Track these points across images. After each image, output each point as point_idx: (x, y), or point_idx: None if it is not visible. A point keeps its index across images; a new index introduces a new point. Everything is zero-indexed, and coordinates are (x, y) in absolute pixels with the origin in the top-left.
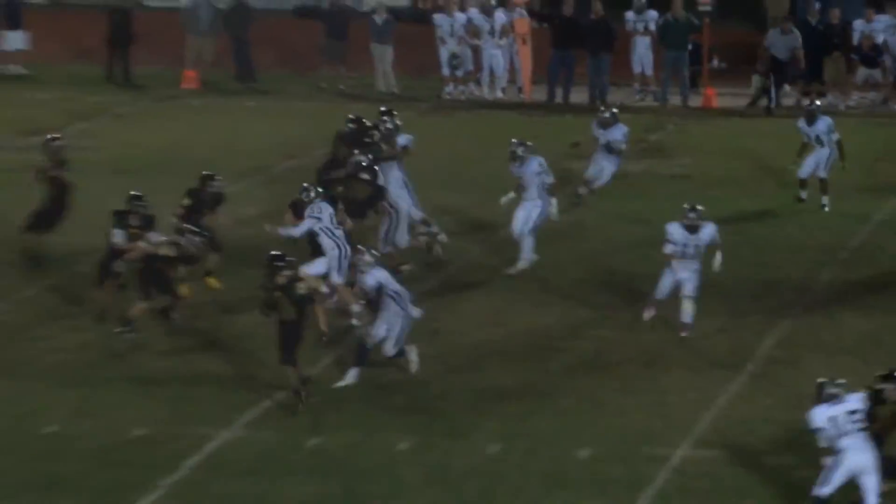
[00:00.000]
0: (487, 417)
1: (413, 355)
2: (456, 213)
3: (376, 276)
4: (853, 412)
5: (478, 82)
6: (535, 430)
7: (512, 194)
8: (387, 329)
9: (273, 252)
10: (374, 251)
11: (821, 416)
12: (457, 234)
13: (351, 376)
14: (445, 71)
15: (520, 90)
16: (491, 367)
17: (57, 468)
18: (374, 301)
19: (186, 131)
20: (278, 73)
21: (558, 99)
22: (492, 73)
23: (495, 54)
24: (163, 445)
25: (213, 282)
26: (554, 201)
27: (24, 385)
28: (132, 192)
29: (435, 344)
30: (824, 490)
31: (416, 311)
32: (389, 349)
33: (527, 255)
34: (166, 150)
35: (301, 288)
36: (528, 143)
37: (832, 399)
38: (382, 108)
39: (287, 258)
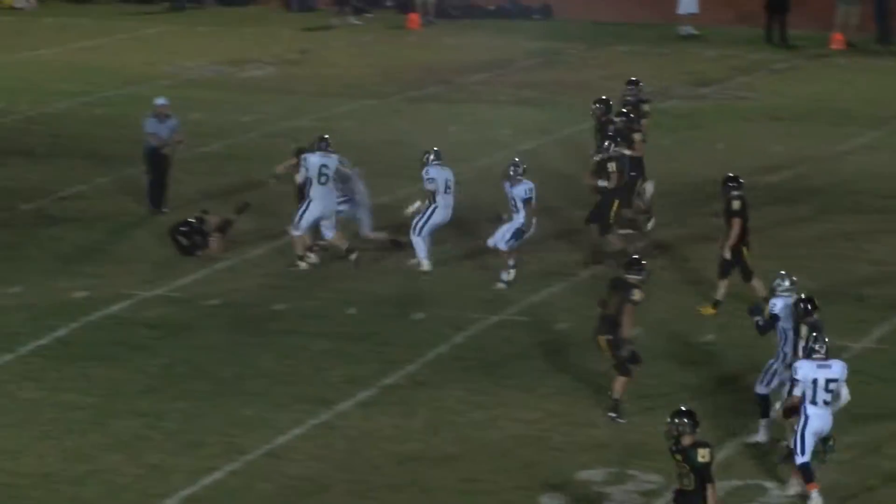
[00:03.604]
0: None
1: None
2: None
3: (778, 304)
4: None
5: None
6: None
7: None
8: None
9: (683, 407)
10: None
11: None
12: None
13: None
14: None
15: None
16: None
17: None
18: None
19: (831, 85)
20: None
21: None
22: None
23: None
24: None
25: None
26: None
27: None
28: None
29: None
30: None
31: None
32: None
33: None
34: (813, 101)
35: (702, 455)
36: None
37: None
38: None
39: (694, 417)
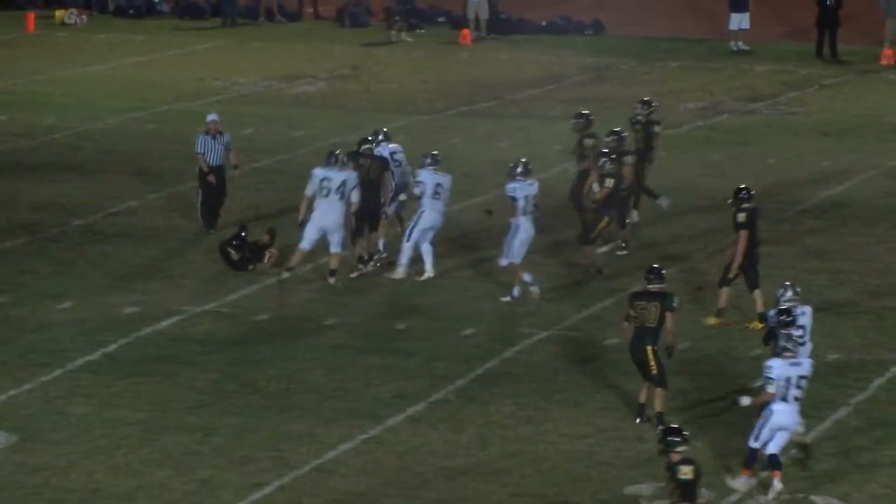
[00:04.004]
0: None
1: None
2: None
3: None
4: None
5: None
6: None
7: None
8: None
9: (672, 425)
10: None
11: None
12: None
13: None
14: None
15: None
16: None
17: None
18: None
19: (881, 100)
20: None
21: None
22: None
23: None
24: (854, 368)
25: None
26: None
27: None
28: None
29: None
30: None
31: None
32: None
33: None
34: (862, 116)
35: (684, 472)
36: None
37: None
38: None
39: (681, 433)
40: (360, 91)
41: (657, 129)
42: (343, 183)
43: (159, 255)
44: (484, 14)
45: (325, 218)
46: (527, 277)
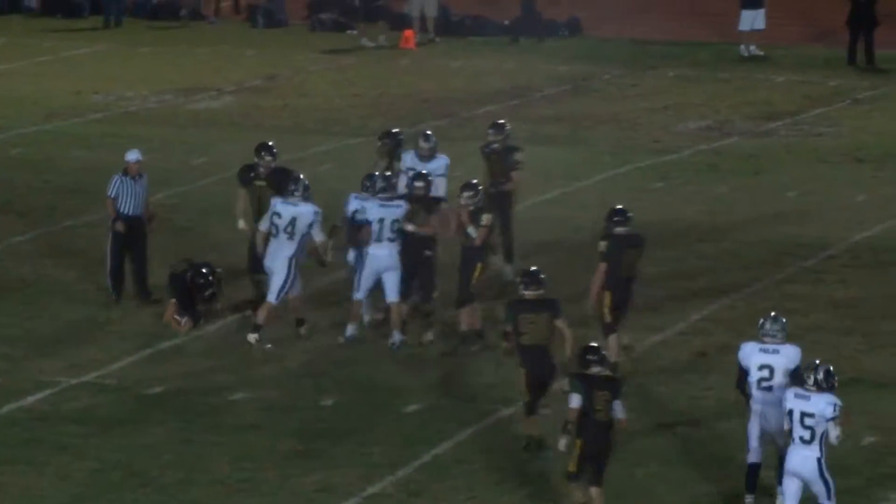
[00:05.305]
0: None
1: None
2: None
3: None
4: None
5: None
6: None
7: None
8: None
9: None
10: None
11: None
12: None
13: None
14: None
15: None
16: None
17: None
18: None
19: None
20: None
21: None
22: None
23: None
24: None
25: None
26: None
27: None
28: None
29: None
30: None
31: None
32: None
33: None
34: None
35: None
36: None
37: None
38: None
39: None
40: (276, 107)
41: (519, 156)
42: (293, 220)
43: (25, 312)
44: (432, 11)
45: (271, 259)
46: (395, 336)
